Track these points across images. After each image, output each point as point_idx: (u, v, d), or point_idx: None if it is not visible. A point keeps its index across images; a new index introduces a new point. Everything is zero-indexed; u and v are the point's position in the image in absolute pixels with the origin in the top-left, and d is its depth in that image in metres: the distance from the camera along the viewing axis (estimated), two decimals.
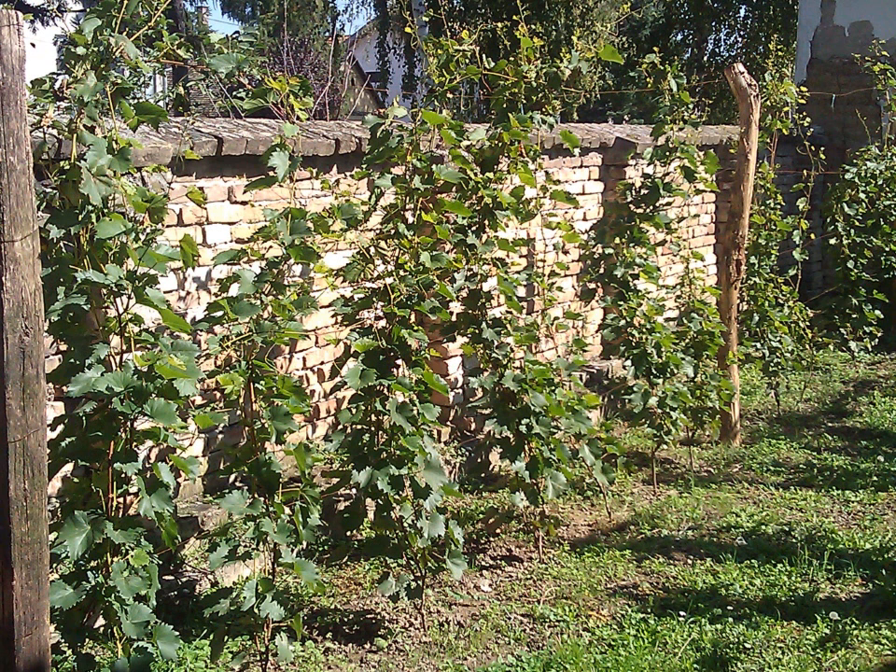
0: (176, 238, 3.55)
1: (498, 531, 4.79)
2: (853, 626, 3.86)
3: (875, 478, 5.52)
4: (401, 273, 3.86)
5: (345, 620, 3.95)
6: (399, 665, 3.67)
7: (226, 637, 3.48)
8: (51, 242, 3.00)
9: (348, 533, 4.28)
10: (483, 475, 5.44)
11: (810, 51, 10.55)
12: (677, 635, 3.82)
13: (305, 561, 3.54)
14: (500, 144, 4.56)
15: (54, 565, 3.04)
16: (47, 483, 2.69)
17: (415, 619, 3.96)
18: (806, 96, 6.79)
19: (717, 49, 22.31)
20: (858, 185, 7.61)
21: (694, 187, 5.87)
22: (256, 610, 3.33)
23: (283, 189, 3.77)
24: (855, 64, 8.77)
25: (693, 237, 7.94)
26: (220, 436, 4.44)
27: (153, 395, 3.02)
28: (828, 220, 7.69)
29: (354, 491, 3.96)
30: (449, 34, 4.50)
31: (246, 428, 3.51)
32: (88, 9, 3.38)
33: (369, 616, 3.98)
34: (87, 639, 3.17)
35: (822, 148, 7.31)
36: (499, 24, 4.84)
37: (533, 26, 4.99)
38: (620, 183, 5.78)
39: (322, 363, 4.98)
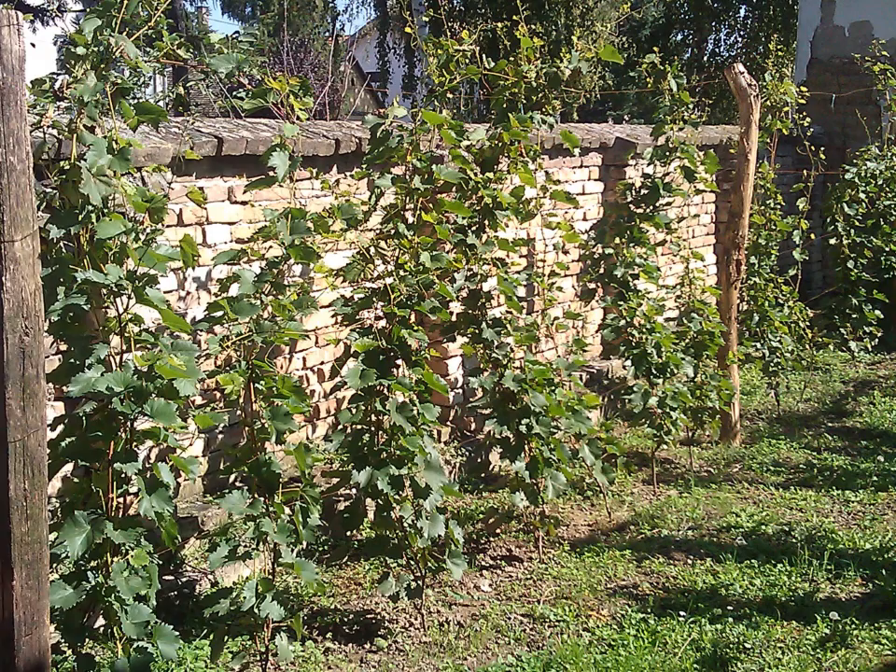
0: (176, 238, 3.55)
1: (498, 531, 4.78)
2: (853, 626, 3.86)
3: (875, 478, 5.51)
4: (401, 273, 3.86)
5: (345, 620, 3.95)
6: (399, 665, 3.67)
7: (226, 637, 3.47)
8: (51, 242, 3.00)
9: (348, 533, 4.28)
10: (483, 475, 5.44)
11: (810, 51, 10.55)
12: (677, 635, 3.82)
13: (305, 561, 3.54)
14: (500, 144, 4.56)
15: (54, 565, 3.04)
16: (47, 483, 2.69)
17: (415, 619, 3.96)
18: (806, 96, 6.79)
19: (717, 49, 22.32)
20: (858, 185, 7.61)
21: (694, 187, 5.87)
22: (256, 610, 3.32)
23: (283, 189, 3.77)
24: (855, 64, 8.76)
25: (693, 237, 7.94)
26: (220, 436, 4.44)
27: (153, 395, 3.03)
28: (828, 220, 7.69)
29: (354, 491, 3.97)
30: (449, 34, 4.50)
31: (246, 428, 3.51)
32: (88, 9, 3.38)
33: (369, 616, 3.98)
34: (87, 639, 3.17)
35: (822, 148, 7.30)
36: (499, 24, 4.84)
37: (533, 26, 5.00)
38: (620, 183, 5.78)
39: (322, 363, 4.98)
